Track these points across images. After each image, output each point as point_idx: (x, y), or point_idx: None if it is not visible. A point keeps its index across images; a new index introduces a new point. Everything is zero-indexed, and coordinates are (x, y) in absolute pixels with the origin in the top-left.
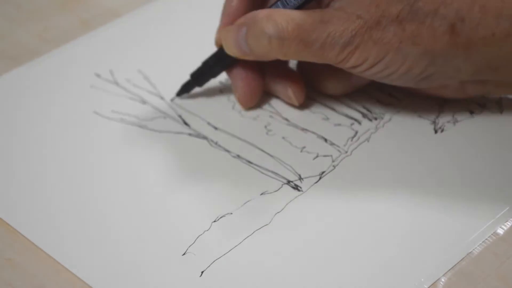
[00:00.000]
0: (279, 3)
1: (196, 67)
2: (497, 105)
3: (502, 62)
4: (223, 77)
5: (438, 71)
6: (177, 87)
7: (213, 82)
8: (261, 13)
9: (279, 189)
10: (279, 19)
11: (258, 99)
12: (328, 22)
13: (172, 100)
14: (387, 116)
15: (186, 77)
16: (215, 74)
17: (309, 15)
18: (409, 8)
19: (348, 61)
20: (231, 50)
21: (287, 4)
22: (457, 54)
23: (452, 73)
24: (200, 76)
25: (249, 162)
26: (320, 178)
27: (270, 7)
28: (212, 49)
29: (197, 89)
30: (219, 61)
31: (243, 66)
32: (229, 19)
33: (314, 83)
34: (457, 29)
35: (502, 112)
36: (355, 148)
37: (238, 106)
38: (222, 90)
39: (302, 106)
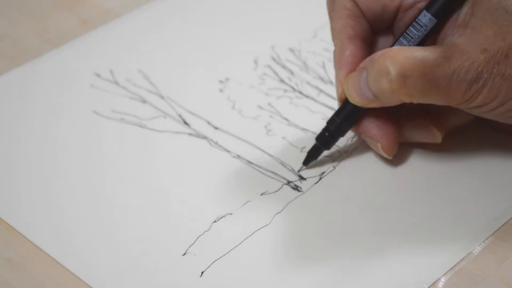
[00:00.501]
0: (401, 38)
1: (321, 130)
2: None
3: None
4: (222, 76)
5: None
6: (177, 86)
7: (213, 83)
8: (379, 52)
9: (279, 189)
10: (399, 56)
11: (399, 141)
12: (451, 58)
13: (299, 170)
14: None
15: (185, 77)
16: (343, 132)
17: (430, 50)
18: None
19: (474, 100)
20: (354, 99)
21: (411, 38)
22: None
23: None
24: (329, 137)
25: (249, 162)
26: (320, 179)
27: (393, 44)
28: (208, 49)
29: (197, 90)
30: (346, 117)
31: (374, 115)
32: (348, 69)
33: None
34: None
35: None
36: (355, 148)
37: (238, 106)
38: (222, 90)
39: (302, 106)
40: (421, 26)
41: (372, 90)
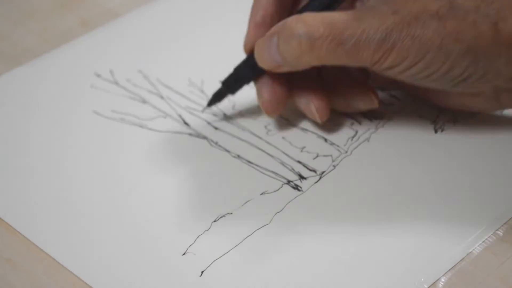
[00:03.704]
0: (313, 1)
1: (227, 74)
2: None
3: None
4: (222, 76)
5: (477, 72)
6: (178, 87)
7: (214, 83)
8: (291, 17)
9: (279, 189)
10: (309, 20)
11: (282, 108)
12: (362, 20)
13: (203, 111)
14: (387, 116)
15: (186, 76)
16: (248, 81)
17: (341, 14)
18: (449, 5)
19: (385, 60)
20: (264, 62)
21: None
22: (500, 54)
23: (491, 76)
24: (233, 83)
25: (249, 162)
26: (320, 178)
27: (302, 10)
28: (208, 49)
29: (198, 90)
30: (252, 67)
31: (271, 74)
32: (257, 21)
33: (338, 101)
34: (500, 27)
35: (502, 112)
36: (355, 148)
37: (238, 106)
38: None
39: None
40: None
41: (282, 54)
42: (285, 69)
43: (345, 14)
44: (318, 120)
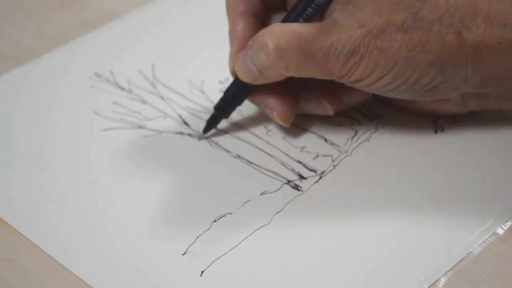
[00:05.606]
0: (288, 15)
1: (219, 99)
2: None
3: (508, 73)
4: (222, 76)
5: (446, 80)
6: (177, 87)
7: (214, 83)
8: (262, 30)
9: (279, 189)
10: (277, 31)
11: (295, 112)
12: (329, 32)
13: (200, 139)
14: (387, 116)
15: (186, 77)
16: (240, 102)
17: (309, 26)
18: (414, 17)
19: (354, 73)
20: (242, 76)
21: (298, 14)
22: (466, 62)
23: (458, 84)
24: (226, 106)
25: (249, 162)
26: (320, 178)
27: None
28: (208, 49)
29: (198, 90)
30: (241, 87)
31: (270, 85)
32: (238, 43)
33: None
34: (464, 37)
35: (502, 112)
36: (355, 148)
37: (238, 106)
38: (222, 90)
39: None
40: (308, 3)
41: (256, 66)
42: (261, 81)
43: (312, 26)
44: (331, 112)
